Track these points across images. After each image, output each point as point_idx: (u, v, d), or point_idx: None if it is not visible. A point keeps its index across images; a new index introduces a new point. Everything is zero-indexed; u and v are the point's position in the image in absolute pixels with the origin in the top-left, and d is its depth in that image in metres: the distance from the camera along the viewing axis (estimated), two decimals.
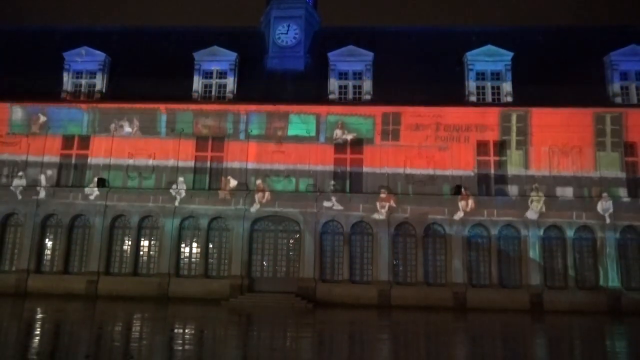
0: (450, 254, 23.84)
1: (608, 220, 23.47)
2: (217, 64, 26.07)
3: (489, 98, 25.19)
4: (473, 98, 25.13)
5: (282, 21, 27.54)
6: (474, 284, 23.66)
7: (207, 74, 26.15)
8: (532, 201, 23.90)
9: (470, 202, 24.01)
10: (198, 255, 24.64)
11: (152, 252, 24.89)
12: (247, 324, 17.87)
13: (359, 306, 22.75)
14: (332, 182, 24.80)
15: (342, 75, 25.84)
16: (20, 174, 25.39)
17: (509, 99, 24.90)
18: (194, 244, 24.87)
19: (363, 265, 24.27)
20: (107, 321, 17.70)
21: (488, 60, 25.26)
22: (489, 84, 25.27)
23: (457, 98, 25.16)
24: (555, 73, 25.31)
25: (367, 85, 25.51)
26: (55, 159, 25.54)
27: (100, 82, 26.33)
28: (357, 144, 24.97)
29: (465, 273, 23.55)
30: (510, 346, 14.63)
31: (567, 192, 23.91)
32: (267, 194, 24.64)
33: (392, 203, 24.26)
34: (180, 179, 24.94)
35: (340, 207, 24.39)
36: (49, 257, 25.11)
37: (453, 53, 26.06)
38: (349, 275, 23.97)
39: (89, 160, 25.46)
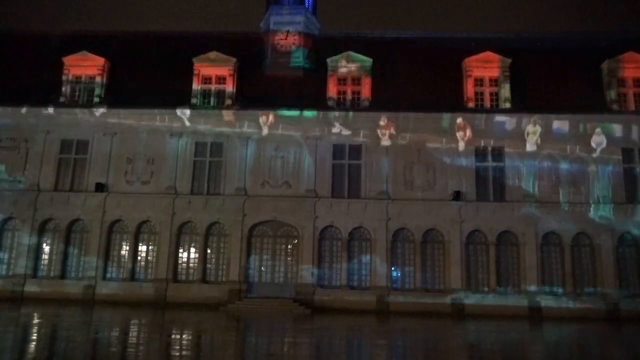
0: (448, 259, 23.81)
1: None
2: (216, 69, 26.09)
3: (487, 104, 25.26)
4: (471, 104, 25.18)
5: (281, 27, 27.58)
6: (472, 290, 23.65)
7: (206, 79, 26.16)
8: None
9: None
10: (196, 260, 24.58)
11: (150, 257, 24.82)
12: (245, 330, 17.80)
13: (358, 312, 22.68)
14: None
15: (341, 81, 25.87)
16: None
17: (507, 104, 24.95)
18: (192, 249, 24.81)
19: (361, 271, 24.22)
20: (103, 327, 17.60)
21: (486, 66, 25.34)
22: (487, 90, 25.34)
23: (456, 104, 25.21)
24: (553, 79, 25.38)
25: (365, 90, 25.55)
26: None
27: (99, 87, 26.31)
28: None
29: (463, 278, 23.56)
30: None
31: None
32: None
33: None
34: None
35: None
36: (46, 261, 25.03)
37: (452, 59, 26.09)
38: (346, 281, 23.92)
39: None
